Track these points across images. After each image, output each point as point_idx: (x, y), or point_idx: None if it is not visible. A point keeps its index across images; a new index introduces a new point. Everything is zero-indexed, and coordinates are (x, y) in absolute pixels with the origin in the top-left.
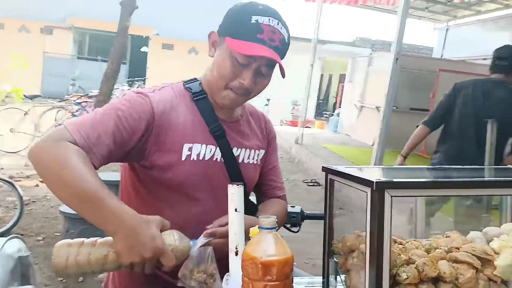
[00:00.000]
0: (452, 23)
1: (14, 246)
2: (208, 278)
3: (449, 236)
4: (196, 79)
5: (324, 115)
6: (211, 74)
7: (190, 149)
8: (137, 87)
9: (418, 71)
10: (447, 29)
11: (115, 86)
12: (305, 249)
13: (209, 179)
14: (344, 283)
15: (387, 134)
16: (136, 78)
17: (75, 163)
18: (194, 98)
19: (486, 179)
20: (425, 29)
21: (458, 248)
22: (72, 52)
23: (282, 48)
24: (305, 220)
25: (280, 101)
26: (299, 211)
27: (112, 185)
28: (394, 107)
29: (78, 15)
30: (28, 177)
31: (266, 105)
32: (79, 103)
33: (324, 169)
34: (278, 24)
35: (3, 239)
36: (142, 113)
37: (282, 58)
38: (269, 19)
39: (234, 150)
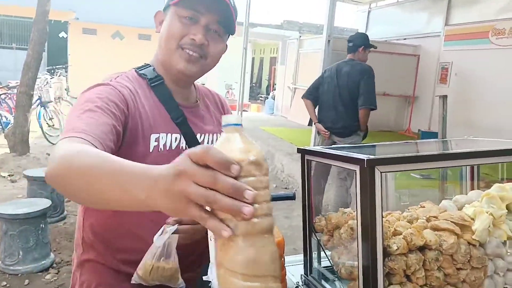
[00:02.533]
0: (374, 5)
1: None
2: (173, 274)
3: (424, 207)
4: (148, 64)
5: (259, 98)
6: (159, 47)
7: (157, 140)
8: (59, 76)
9: (345, 53)
10: (369, 11)
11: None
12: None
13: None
14: (330, 258)
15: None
16: (57, 66)
17: (80, 162)
18: (151, 85)
19: (474, 150)
20: (349, 12)
21: (435, 217)
22: None
23: (228, 2)
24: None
25: (215, 86)
26: None
27: None
28: None
29: None
30: None
31: None
32: None
33: (300, 150)
34: None
35: None
36: (119, 104)
37: (235, 18)
38: None
39: (198, 136)
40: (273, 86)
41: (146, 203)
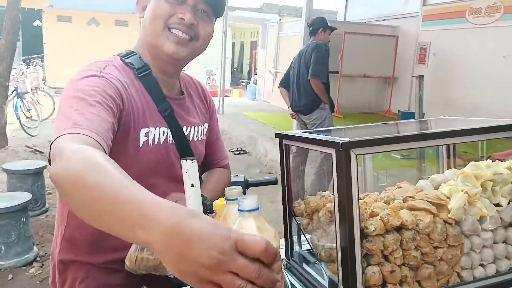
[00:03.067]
0: None
1: None
2: (159, 264)
3: (401, 187)
4: (133, 52)
5: (241, 83)
6: (144, 31)
7: (146, 134)
8: (35, 65)
9: None
10: None
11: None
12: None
13: (164, 163)
14: (309, 242)
15: None
16: (33, 56)
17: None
18: (139, 75)
19: (448, 129)
20: None
21: (412, 197)
22: None
23: None
24: (249, 188)
25: (195, 72)
26: (242, 179)
27: None
28: None
29: None
30: None
31: None
32: None
33: (278, 135)
34: None
35: None
36: (114, 96)
37: None
38: None
39: (184, 129)
40: (254, 71)
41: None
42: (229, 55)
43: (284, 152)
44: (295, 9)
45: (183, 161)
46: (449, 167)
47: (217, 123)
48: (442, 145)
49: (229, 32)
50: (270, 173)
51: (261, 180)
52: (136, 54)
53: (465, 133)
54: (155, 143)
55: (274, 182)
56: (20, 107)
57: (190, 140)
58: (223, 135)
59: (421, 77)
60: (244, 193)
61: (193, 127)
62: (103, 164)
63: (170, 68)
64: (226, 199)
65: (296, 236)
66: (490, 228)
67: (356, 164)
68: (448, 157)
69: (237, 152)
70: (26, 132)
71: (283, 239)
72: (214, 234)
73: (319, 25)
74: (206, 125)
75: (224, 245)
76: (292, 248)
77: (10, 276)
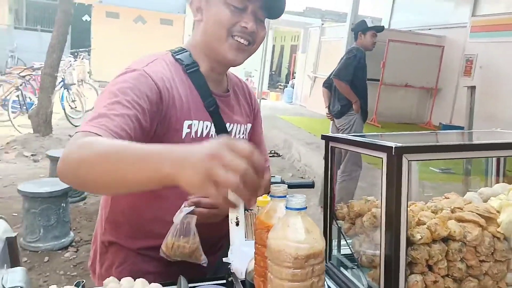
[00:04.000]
0: None
1: (0, 227)
2: (193, 252)
3: (448, 198)
4: (184, 49)
5: (279, 87)
6: (203, 34)
7: (189, 127)
8: (82, 59)
9: None
10: (394, 0)
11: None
12: None
13: None
14: (350, 246)
15: None
16: (80, 49)
17: (99, 148)
18: (188, 71)
19: (502, 141)
20: (373, 0)
21: (460, 208)
22: (8, 22)
23: None
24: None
25: (234, 73)
26: (279, 181)
27: None
28: None
29: None
30: None
31: None
32: (23, 77)
33: (324, 137)
34: None
35: None
36: (150, 95)
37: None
38: None
39: (227, 125)
40: (292, 75)
41: (170, 176)
42: (268, 58)
43: (329, 154)
44: (338, 14)
45: None
46: (497, 182)
47: (261, 126)
48: (495, 157)
49: (270, 35)
50: (302, 177)
51: (298, 182)
52: (187, 51)
53: None
54: (198, 136)
55: (311, 186)
56: (66, 97)
57: (232, 136)
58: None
59: (473, 88)
60: None
61: (236, 124)
62: (105, 139)
63: (222, 69)
64: (271, 196)
65: (336, 240)
66: None
67: (408, 170)
68: (498, 171)
69: (271, 155)
70: (70, 122)
71: None
72: (211, 144)
73: (358, 29)
74: (249, 125)
75: (218, 146)
76: (330, 251)
77: (46, 258)
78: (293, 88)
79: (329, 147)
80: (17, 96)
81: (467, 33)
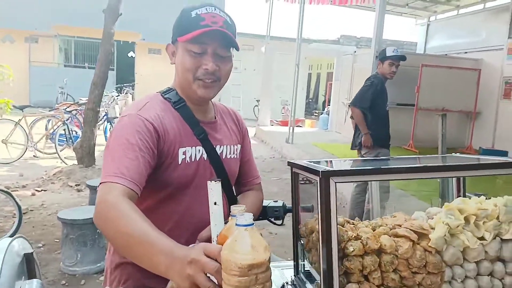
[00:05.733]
0: (433, 18)
1: (19, 244)
2: None
3: (395, 216)
4: (171, 88)
5: (314, 114)
6: (177, 77)
7: (184, 153)
8: (126, 93)
9: (401, 67)
10: (428, 25)
11: (104, 93)
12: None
13: (198, 176)
14: (309, 261)
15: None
16: (124, 84)
17: (127, 218)
18: (176, 107)
19: (402, 166)
20: (407, 25)
21: (400, 225)
22: (58, 60)
23: (227, 27)
24: (287, 213)
25: (270, 101)
26: (281, 205)
27: None
28: None
29: (62, 23)
30: (24, 186)
31: (256, 106)
32: (70, 112)
33: (290, 163)
34: (215, 9)
35: (9, 238)
36: (150, 136)
37: (232, 36)
38: (206, 8)
39: (217, 148)
40: (328, 102)
41: (166, 275)
42: (304, 86)
43: (293, 178)
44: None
45: (208, 182)
46: None
47: (249, 145)
48: (413, 179)
49: (305, 63)
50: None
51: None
52: (173, 90)
53: (445, 169)
54: (192, 160)
55: (310, 209)
56: (109, 130)
57: (223, 157)
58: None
59: (443, 116)
60: (283, 218)
61: (225, 146)
62: (132, 216)
63: (201, 103)
64: (231, 215)
65: (302, 257)
66: (473, 260)
67: (335, 190)
68: (458, 190)
69: (303, 182)
70: None
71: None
72: (191, 252)
73: (379, 57)
74: (239, 145)
75: (198, 254)
76: (297, 266)
77: (82, 282)
78: (328, 115)
79: (293, 172)
80: (64, 130)
81: (505, 55)
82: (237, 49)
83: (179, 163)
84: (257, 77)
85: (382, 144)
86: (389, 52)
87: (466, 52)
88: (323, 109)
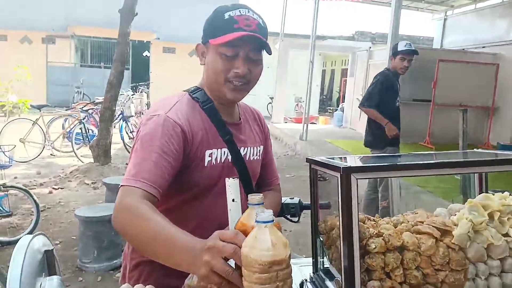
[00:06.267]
0: (450, 12)
1: (40, 242)
2: None
3: (417, 213)
4: (199, 88)
5: (329, 110)
6: (207, 78)
7: (210, 155)
8: (141, 92)
9: (418, 62)
10: (445, 19)
11: (120, 92)
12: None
13: (223, 178)
14: (328, 258)
15: None
16: (140, 83)
17: (148, 222)
18: (204, 107)
19: (425, 162)
20: (424, 20)
21: (422, 222)
22: (75, 60)
23: (260, 30)
24: (304, 210)
25: (283, 99)
26: (297, 202)
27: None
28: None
29: (78, 23)
30: (41, 184)
31: (270, 103)
32: (86, 111)
33: (308, 160)
34: (249, 12)
35: (30, 235)
36: (177, 138)
37: (263, 39)
38: (239, 10)
39: (241, 150)
40: (343, 98)
41: (188, 270)
42: (319, 82)
43: (312, 175)
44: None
45: (226, 179)
46: None
47: (270, 147)
48: (438, 175)
49: (319, 60)
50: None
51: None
52: (201, 90)
53: (468, 164)
54: (217, 162)
55: (327, 206)
56: (125, 128)
57: (247, 159)
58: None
59: (464, 111)
60: (299, 215)
61: (249, 147)
62: (151, 216)
63: (229, 104)
64: (249, 203)
65: (320, 254)
66: (498, 257)
67: (357, 187)
68: (480, 187)
69: (319, 178)
70: (128, 151)
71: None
72: (208, 240)
73: (392, 52)
74: (262, 146)
75: (212, 239)
76: (317, 263)
77: (99, 278)
78: (342, 111)
79: (311, 169)
80: (80, 128)
81: None
82: (269, 52)
83: (205, 165)
84: (271, 74)
85: (391, 142)
86: (400, 47)
87: (484, 47)
88: (337, 106)
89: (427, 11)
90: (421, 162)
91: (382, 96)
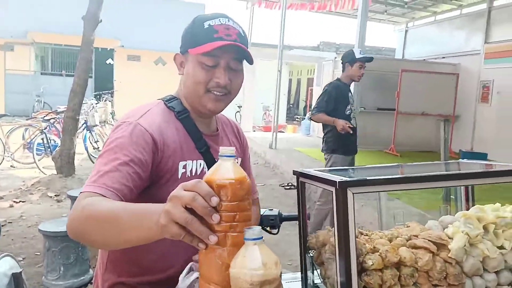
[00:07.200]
0: (411, 24)
1: (7, 264)
2: None
3: (409, 226)
4: (175, 97)
5: (296, 119)
6: (185, 88)
7: (184, 167)
8: (105, 100)
9: (381, 72)
10: (406, 31)
11: (83, 101)
12: (286, 251)
13: None
14: (319, 275)
15: None
16: (103, 92)
17: (99, 210)
18: (180, 117)
19: (424, 175)
20: (386, 31)
21: (417, 236)
22: (35, 68)
23: (240, 40)
24: (283, 222)
25: (251, 107)
26: (277, 213)
27: None
28: (362, 108)
29: (39, 29)
30: (1, 198)
31: (238, 111)
32: (48, 120)
33: (295, 172)
34: (229, 21)
35: None
36: (147, 147)
37: (244, 49)
38: (219, 19)
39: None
40: (309, 107)
41: (157, 232)
42: (286, 91)
43: (300, 188)
44: (353, 46)
45: None
46: (467, 209)
47: (249, 160)
48: (431, 188)
49: (286, 69)
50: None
51: (294, 215)
52: (177, 99)
53: (457, 177)
54: (193, 174)
55: (312, 216)
56: (89, 138)
57: None
58: (276, 169)
59: (446, 121)
60: (277, 226)
61: None
62: (107, 203)
63: (206, 115)
64: (220, 155)
65: (310, 270)
66: (493, 270)
67: (353, 202)
68: (467, 199)
69: (288, 187)
70: (93, 162)
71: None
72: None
73: (346, 60)
74: (240, 159)
75: (177, 190)
76: (306, 280)
77: None
78: (309, 120)
79: (299, 182)
80: (42, 139)
81: (481, 59)
82: (250, 62)
83: (179, 177)
84: None
85: (344, 151)
86: (357, 54)
87: (444, 57)
88: (304, 115)
89: (389, 23)
90: (420, 175)
91: (330, 105)
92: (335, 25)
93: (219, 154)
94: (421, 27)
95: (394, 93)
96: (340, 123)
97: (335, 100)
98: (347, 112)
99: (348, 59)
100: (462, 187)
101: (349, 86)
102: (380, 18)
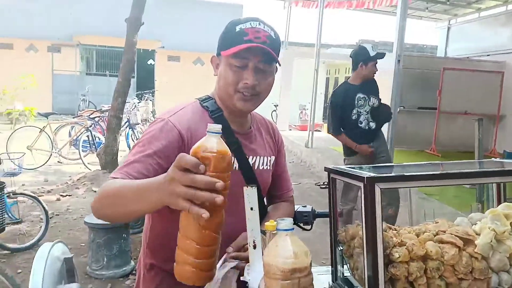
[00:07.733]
0: (454, 21)
1: (59, 249)
2: None
3: (438, 222)
4: (210, 97)
5: None
6: (218, 88)
7: None
8: (146, 100)
9: (422, 71)
10: (449, 28)
11: (126, 100)
12: (321, 249)
13: (231, 187)
14: (348, 268)
15: (395, 134)
16: (145, 91)
17: (111, 188)
18: (213, 116)
19: (449, 172)
20: (428, 28)
21: (444, 231)
22: (80, 69)
23: (270, 42)
24: (317, 219)
25: (287, 106)
26: (310, 210)
27: None
28: (402, 107)
29: (84, 32)
30: (49, 192)
31: (274, 111)
32: (93, 118)
33: (327, 169)
34: (259, 24)
35: (50, 243)
36: (175, 143)
37: (276, 51)
38: (250, 23)
39: (250, 158)
40: None
41: (159, 202)
42: (323, 90)
43: (331, 184)
44: (391, 44)
45: (245, 188)
46: None
47: (284, 159)
48: (463, 184)
49: (323, 68)
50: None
51: (328, 212)
52: (212, 99)
53: (487, 174)
54: None
55: (339, 215)
56: (131, 136)
57: (256, 168)
58: (311, 168)
59: (480, 120)
60: (311, 222)
61: (258, 157)
62: (115, 182)
63: (238, 114)
64: (208, 131)
65: (340, 263)
66: None
67: (380, 197)
68: (499, 196)
69: (323, 186)
70: None
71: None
72: (169, 171)
73: (360, 58)
74: (273, 157)
75: (172, 171)
76: (336, 272)
77: (109, 286)
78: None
79: (330, 178)
80: (87, 136)
81: None
82: (278, 65)
83: None
84: (275, 82)
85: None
86: (371, 52)
87: (488, 55)
88: None
89: (430, 20)
90: (446, 172)
91: (342, 116)
92: (373, 23)
93: (207, 130)
94: (465, 24)
95: (436, 91)
96: (363, 150)
97: (341, 109)
98: (354, 117)
99: (362, 58)
100: (494, 186)
101: (359, 86)
102: (421, 15)
